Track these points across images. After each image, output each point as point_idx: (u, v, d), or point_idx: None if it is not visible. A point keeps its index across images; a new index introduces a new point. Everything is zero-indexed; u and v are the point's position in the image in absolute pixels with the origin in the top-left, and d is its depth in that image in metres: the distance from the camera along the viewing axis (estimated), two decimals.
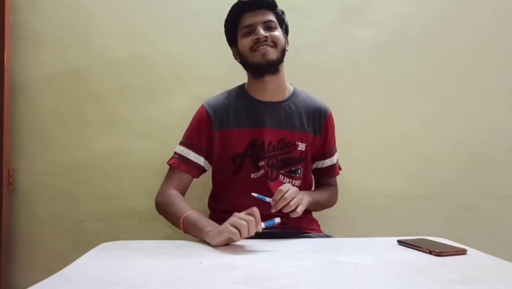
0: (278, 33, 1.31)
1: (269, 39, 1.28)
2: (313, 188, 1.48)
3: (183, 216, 1.17)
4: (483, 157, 1.73)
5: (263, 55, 1.27)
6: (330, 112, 1.42)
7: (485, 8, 1.73)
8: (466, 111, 1.73)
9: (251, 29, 1.29)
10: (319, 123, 1.38)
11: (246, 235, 1.02)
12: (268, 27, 1.30)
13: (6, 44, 1.53)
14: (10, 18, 1.55)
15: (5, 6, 1.52)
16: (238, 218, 1.03)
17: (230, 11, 1.34)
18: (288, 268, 0.87)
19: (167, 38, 1.63)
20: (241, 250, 1.02)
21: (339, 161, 1.50)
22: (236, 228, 1.01)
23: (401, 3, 1.70)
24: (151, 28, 1.62)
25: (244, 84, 1.41)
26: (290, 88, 1.40)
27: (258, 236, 1.14)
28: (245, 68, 1.36)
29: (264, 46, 1.27)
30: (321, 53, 1.68)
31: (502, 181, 1.74)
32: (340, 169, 1.51)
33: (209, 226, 1.10)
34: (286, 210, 1.16)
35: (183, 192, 1.33)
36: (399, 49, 1.71)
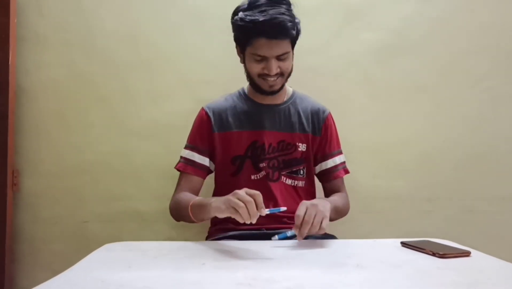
0: (288, 62, 1.26)
1: (279, 70, 1.25)
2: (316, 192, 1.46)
3: (190, 205, 1.17)
4: (486, 159, 1.73)
5: (271, 86, 1.28)
6: (329, 113, 1.42)
7: (488, 10, 1.72)
8: (469, 113, 1.73)
9: (264, 58, 1.23)
10: (317, 124, 1.39)
11: (247, 218, 0.97)
12: (281, 58, 1.24)
13: (11, 46, 1.54)
14: (15, 20, 1.56)
15: (10, 9, 1.52)
16: (238, 198, 0.98)
17: (243, 27, 1.21)
18: (291, 270, 0.87)
19: (171, 41, 1.63)
20: (244, 251, 1.02)
21: (346, 164, 1.46)
22: (236, 209, 0.98)
23: (405, 5, 1.70)
24: (155, 30, 1.63)
25: (243, 87, 1.41)
26: (289, 91, 1.41)
27: (261, 237, 1.14)
28: (246, 73, 1.34)
29: (273, 78, 1.26)
30: (325, 55, 1.68)
31: (505, 183, 1.73)
32: (347, 172, 1.45)
33: (212, 199, 1.09)
34: (312, 232, 1.06)
35: (195, 195, 1.32)
36: (403, 52, 1.70)
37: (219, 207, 1.02)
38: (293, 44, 1.27)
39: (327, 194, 1.45)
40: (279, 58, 1.23)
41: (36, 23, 1.59)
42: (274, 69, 1.23)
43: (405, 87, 1.71)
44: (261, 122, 1.34)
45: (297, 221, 1.06)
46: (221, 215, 1.02)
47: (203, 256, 0.97)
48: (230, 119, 1.34)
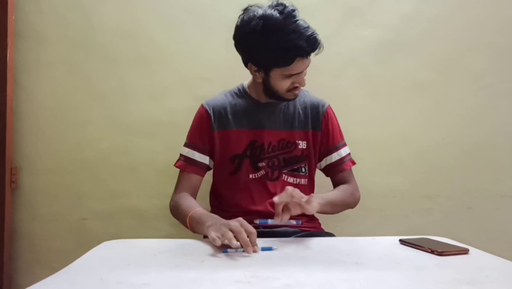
0: None
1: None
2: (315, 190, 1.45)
3: (189, 215, 1.17)
4: (486, 157, 1.73)
5: (296, 94, 1.29)
6: (329, 106, 1.41)
7: (488, 8, 1.72)
8: (469, 111, 1.73)
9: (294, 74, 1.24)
10: (317, 118, 1.38)
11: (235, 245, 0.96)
12: None
13: (9, 43, 1.53)
14: (13, 17, 1.56)
15: (8, 5, 1.52)
16: (235, 232, 0.97)
17: (277, 53, 1.18)
18: (290, 267, 0.87)
19: (170, 38, 1.63)
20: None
21: (351, 155, 1.43)
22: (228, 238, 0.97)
23: (404, 3, 1.70)
24: (154, 27, 1.62)
25: (243, 84, 1.40)
26: None
27: (259, 235, 1.14)
28: (264, 87, 1.31)
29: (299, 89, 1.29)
30: (324, 53, 1.65)
31: (504, 181, 1.74)
32: (354, 163, 1.43)
33: (210, 220, 1.08)
34: (294, 209, 1.07)
35: (194, 193, 1.34)
36: (402, 49, 1.70)
37: (214, 238, 0.98)
38: None
39: (335, 186, 1.41)
40: None
41: (35, 20, 1.59)
42: (305, 80, 1.27)
43: (404, 84, 1.71)
44: (260, 121, 1.34)
45: (277, 209, 1.08)
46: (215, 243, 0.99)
47: (202, 253, 0.97)
48: (229, 117, 1.33)
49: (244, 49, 1.27)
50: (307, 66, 1.25)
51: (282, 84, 1.25)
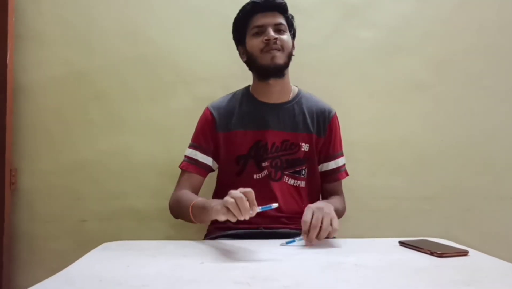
0: (286, 36, 1.31)
1: (278, 41, 1.28)
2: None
3: (191, 205, 1.16)
4: (485, 158, 1.73)
5: (272, 58, 1.27)
6: (335, 114, 1.41)
7: (487, 9, 1.73)
8: (468, 112, 1.73)
9: (262, 30, 1.29)
10: (323, 124, 1.38)
11: (238, 214, 0.97)
12: (278, 30, 1.30)
13: (9, 44, 1.53)
14: (13, 18, 1.56)
15: (8, 6, 1.52)
16: (231, 196, 0.99)
17: (241, 10, 1.34)
18: (290, 269, 0.87)
19: (170, 38, 1.63)
20: (242, 250, 1.02)
21: (345, 166, 1.46)
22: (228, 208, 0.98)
23: (403, 3, 1.70)
24: (154, 28, 1.63)
25: (249, 86, 1.41)
26: (294, 90, 1.40)
27: (259, 236, 1.14)
28: (251, 69, 1.36)
29: (274, 50, 1.27)
30: (323, 53, 1.68)
31: (504, 182, 1.73)
32: (347, 174, 1.46)
33: (213, 202, 1.08)
34: (323, 235, 1.06)
35: (195, 192, 1.33)
36: (401, 50, 1.70)
37: (218, 210, 1.01)
38: (288, 26, 1.34)
39: (325, 194, 1.44)
40: (276, 29, 1.29)
41: (34, 20, 1.59)
42: (273, 33, 1.27)
43: (403, 85, 1.71)
44: (265, 122, 1.34)
45: (305, 227, 1.07)
46: (220, 218, 1.02)
47: (201, 255, 0.98)
48: (234, 118, 1.34)
49: (233, 33, 1.39)
50: (275, 23, 1.30)
51: (254, 44, 1.30)
